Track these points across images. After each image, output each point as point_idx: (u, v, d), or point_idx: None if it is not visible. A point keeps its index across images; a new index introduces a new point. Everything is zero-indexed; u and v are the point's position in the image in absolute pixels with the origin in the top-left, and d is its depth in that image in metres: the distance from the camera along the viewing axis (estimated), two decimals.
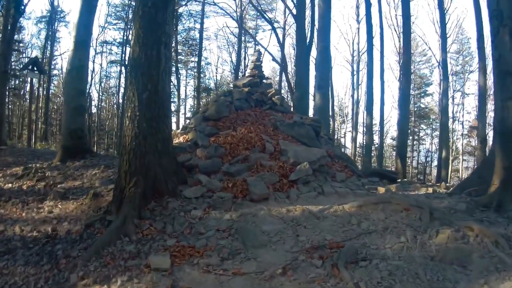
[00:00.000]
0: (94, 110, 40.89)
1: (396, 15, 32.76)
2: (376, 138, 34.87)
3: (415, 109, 42.11)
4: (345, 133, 47.11)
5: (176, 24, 29.62)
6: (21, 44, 34.35)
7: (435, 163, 44.01)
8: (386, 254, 4.77)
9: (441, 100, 28.96)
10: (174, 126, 26.16)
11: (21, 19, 24.87)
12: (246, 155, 8.37)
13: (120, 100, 34.73)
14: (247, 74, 12.58)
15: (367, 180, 8.88)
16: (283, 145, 8.75)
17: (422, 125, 45.07)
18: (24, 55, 34.84)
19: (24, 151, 14.00)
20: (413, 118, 39.97)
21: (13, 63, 31.83)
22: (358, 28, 37.18)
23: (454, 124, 39.26)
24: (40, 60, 25.63)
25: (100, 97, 43.15)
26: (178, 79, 34.62)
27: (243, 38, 35.64)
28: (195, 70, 39.14)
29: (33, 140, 28.23)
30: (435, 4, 31.00)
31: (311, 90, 22.29)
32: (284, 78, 35.19)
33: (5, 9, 17.51)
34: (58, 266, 5.28)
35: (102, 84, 42.02)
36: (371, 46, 23.96)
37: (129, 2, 31.56)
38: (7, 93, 32.87)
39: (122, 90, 34.04)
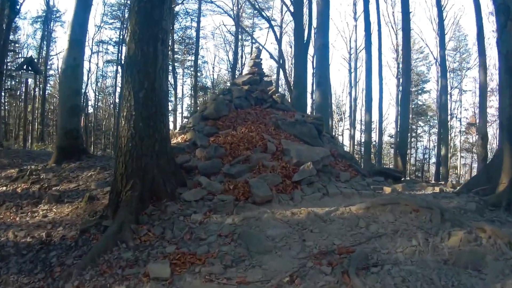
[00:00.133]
0: (90, 110, 40.99)
1: (393, 12, 32.72)
2: (374, 136, 34.73)
3: (413, 106, 42.03)
4: (343, 131, 47.05)
5: (172, 23, 29.45)
6: (17, 45, 34.41)
7: (433, 160, 44.19)
8: (398, 259, 4.53)
9: (440, 97, 28.84)
10: (171, 126, 25.94)
11: (16, 19, 24.85)
12: (247, 155, 8.09)
13: (117, 100, 34.75)
14: (246, 72, 12.30)
15: (372, 180, 8.65)
16: (285, 144, 8.46)
17: (419, 122, 45.10)
18: (20, 55, 34.65)
19: (19, 152, 13.83)
20: (410, 115, 39.86)
21: (9, 64, 31.77)
22: (356, 26, 37.30)
23: (452, 121, 39.24)
24: (35, 60, 25.44)
25: (97, 97, 43.32)
26: (175, 78, 34.60)
27: (240, 36, 35.60)
28: (191, 69, 39.18)
29: (30, 141, 28.17)
30: (433, 1, 30.97)
31: (309, 88, 22.28)
32: (281, 76, 35.18)
33: (0, 9, 17.24)
34: (52, 274, 5.10)
35: (99, 84, 42.36)
36: (370, 43, 23.77)
37: (125, 1, 31.44)
38: (3, 94, 32.85)
39: (118, 89, 33.94)
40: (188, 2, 32.89)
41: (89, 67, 36.51)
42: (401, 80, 35.87)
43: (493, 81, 31.88)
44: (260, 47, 16.00)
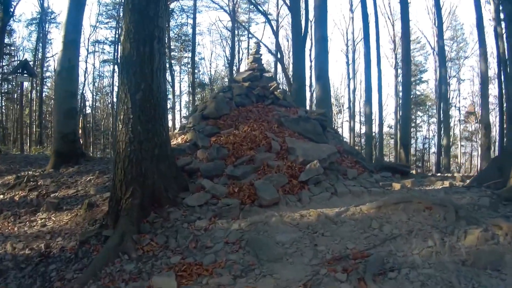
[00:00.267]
0: (88, 110, 41.16)
1: (389, 2, 32.49)
2: (374, 127, 34.56)
3: (411, 96, 41.87)
4: (342, 123, 46.88)
5: (168, 20, 29.21)
6: (12, 48, 34.40)
7: (432, 149, 44.12)
8: (415, 262, 4.31)
9: (440, 87, 28.66)
10: (170, 124, 25.73)
11: (11, 22, 24.72)
12: (251, 155, 7.78)
13: (115, 99, 34.75)
14: (246, 68, 12.01)
15: (380, 176, 8.37)
16: (290, 142, 8.15)
17: (418, 112, 44.92)
18: (15, 58, 34.61)
19: (16, 158, 13.61)
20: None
21: (4, 67, 31.59)
22: (352, 18, 37.08)
23: (450, 110, 39.04)
24: (30, 62, 25.21)
25: (94, 97, 43.40)
26: (172, 76, 34.39)
27: (236, 32, 35.51)
28: (188, 66, 39.17)
29: (28, 144, 28.02)
30: None
31: (306, 81, 22.07)
32: (279, 70, 35.03)
33: None
34: None
35: (96, 84, 42.24)
36: (368, 35, 23.49)
37: (120, 0, 31.17)
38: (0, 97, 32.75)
39: (116, 89, 33.94)
40: None
41: (86, 68, 36.63)
42: (399, 70, 35.92)
43: (491, 70, 31.71)
44: (259, 42, 15.65)
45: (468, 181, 8.74)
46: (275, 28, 31.29)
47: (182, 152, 8.35)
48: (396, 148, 34.80)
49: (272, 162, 7.57)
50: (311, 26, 23.67)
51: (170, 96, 34.10)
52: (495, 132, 32.78)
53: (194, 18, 33.32)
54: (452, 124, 40.69)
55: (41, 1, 31.81)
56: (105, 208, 6.61)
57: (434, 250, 4.50)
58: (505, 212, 5.95)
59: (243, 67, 40.24)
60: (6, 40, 31.38)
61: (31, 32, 35.99)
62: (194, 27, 33.78)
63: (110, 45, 36.55)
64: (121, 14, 30.28)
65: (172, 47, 35.65)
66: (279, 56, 27.05)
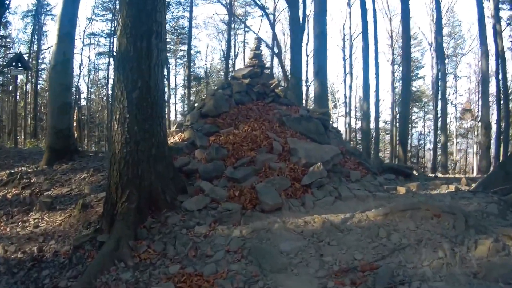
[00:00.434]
0: (83, 103, 41.00)
1: None
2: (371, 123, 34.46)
3: None
4: (337, 118, 46.73)
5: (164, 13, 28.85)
6: (8, 40, 34.30)
7: (427, 146, 44.05)
8: (425, 274, 4.15)
9: (437, 84, 28.51)
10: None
11: (6, 14, 24.45)
12: (252, 156, 7.50)
13: (110, 92, 34.64)
14: (246, 64, 11.72)
15: (383, 179, 8.14)
16: (292, 143, 7.89)
17: (414, 108, 44.79)
18: (11, 50, 34.30)
19: (10, 152, 13.31)
20: None
21: (0, 59, 31.20)
22: (350, 13, 36.82)
23: (447, 106, 39.00)
24: (25, 55, 24.86)
25: (89, 89, 43.24)
26: (168, 69, 34.12)
27: (232, 25, 35.10)
28: (184, 59, 38.90)
29: (23, 137, 27.72)
30: None
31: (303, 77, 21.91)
32: (274, 64, 34.83)
33: None
34: None
35: (91, 77, 42.04)
36: (366, 30, 23.16)
37: None
38: None
39: (111, 81, 33.73)
40: None
41: (81, 60, 36.35)
42: (396, 66, 35.79)
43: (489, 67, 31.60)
44: (259, 38, 15.38)
45: (473, 185, 8.55)
46: (272, 22, 31.03)
47: (180, 151, 8.09)
48: (391, 144, 34.74)
49: (273, 164, 7.31)
50: (307, 21, 23.44)
51: (166, 89, 33.92)
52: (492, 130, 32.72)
53: (191, 11, 32.89)
54: (448, 121, 40.75)
55: None
56: (100, 210, 6.36)
57: (445, 262, 4.35)
58: None
59: (239, 61, 40.06)
60: (2, 32, 31.26)
61: (27, 24, 36.09)
62: (190, 20, 33.36)
63: (105, 38, 36.28)
64: (117, 6, 29.97)
65: (168, 40, 35.30)
66: (276, 50, 26.77)
